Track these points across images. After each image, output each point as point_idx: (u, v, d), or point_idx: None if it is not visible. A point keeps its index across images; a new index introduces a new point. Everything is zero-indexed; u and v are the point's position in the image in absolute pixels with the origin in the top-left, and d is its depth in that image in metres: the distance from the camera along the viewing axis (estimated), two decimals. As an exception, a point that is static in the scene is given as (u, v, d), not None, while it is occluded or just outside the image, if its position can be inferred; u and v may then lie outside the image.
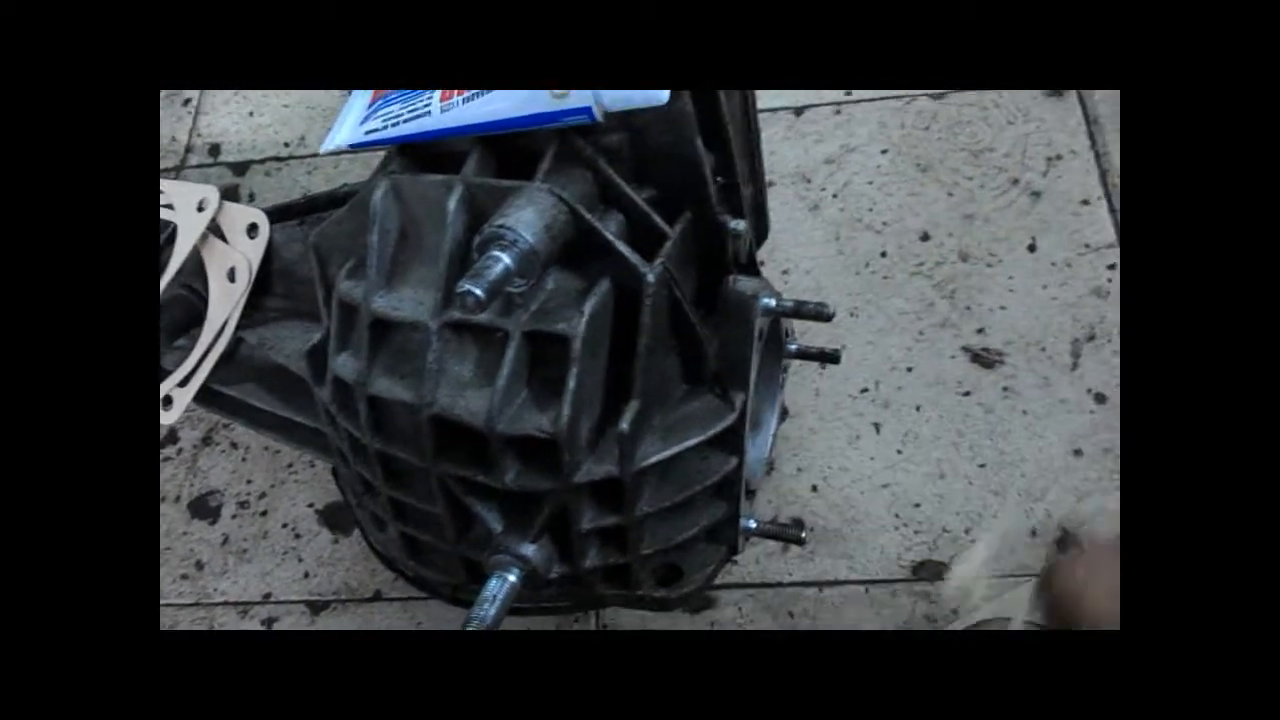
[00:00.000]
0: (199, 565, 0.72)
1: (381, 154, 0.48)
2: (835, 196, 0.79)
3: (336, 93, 0.93)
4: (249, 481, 0.75)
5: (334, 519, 0.73)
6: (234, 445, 0.77)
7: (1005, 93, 0.81)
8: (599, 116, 0.43)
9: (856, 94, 0.84)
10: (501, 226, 0.39)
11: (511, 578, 0.44)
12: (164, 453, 0.78)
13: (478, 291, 0.36)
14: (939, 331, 0.72)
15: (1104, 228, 0.75)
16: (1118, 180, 0.77)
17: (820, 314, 0.46)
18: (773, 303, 0.46)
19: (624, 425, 0.42)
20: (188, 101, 0.97)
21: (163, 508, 0.75)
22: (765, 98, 0.74)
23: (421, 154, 0.46)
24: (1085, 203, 0.76)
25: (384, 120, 0.45)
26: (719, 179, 0.49)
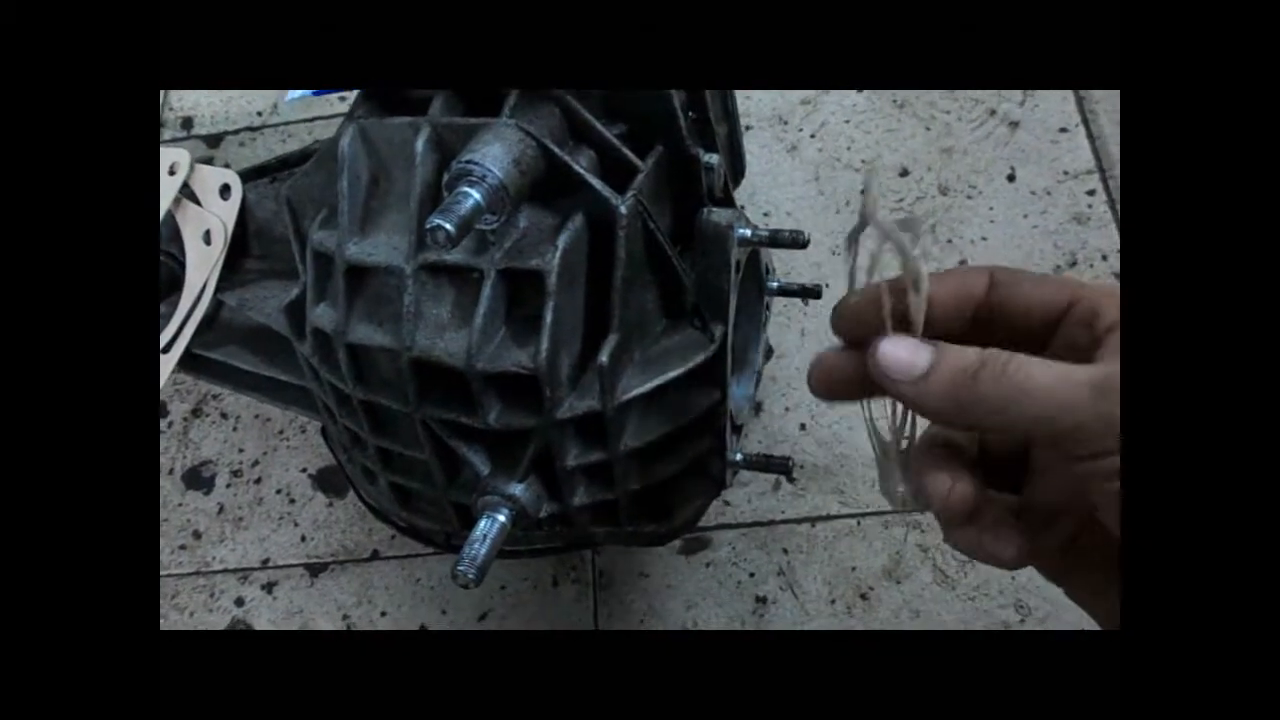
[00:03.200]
0: (196, 535, 0.73)
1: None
2: (813, 137, 0.79)
3: (307, 59, 0.92)
4: (241, 450, 0.76)
5: (327, 483, 0.73)
6: (224, 415, 0.77)
7: (979, 24, 0.80)
8: (563, 50, 0.42)
9: (830, 34, 0.83)
10: (469, 162, 0.39)
11: (501, 518, 0.45)
12: (154, 426, 0.78)
13: (448, 226, 0.36)
14: (921, 266, 0.72)
15: (1083, 154, 0.74)
16: (1095, 107, 0.76)
17: (796, 241, 0.46)
18: (748, 233, 0.46)
19: (603, 358, 0.42)
20: (157, 76, 0.96)
21: (157, 480, 0.75)
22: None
23: (388, 99, 0.46)
24: (1063, 130, 0.76)
25: (347, 64, 0.45)
26: (690, 114, 0.49)
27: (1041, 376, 0.30)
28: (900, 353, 0.32)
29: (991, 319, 0.35)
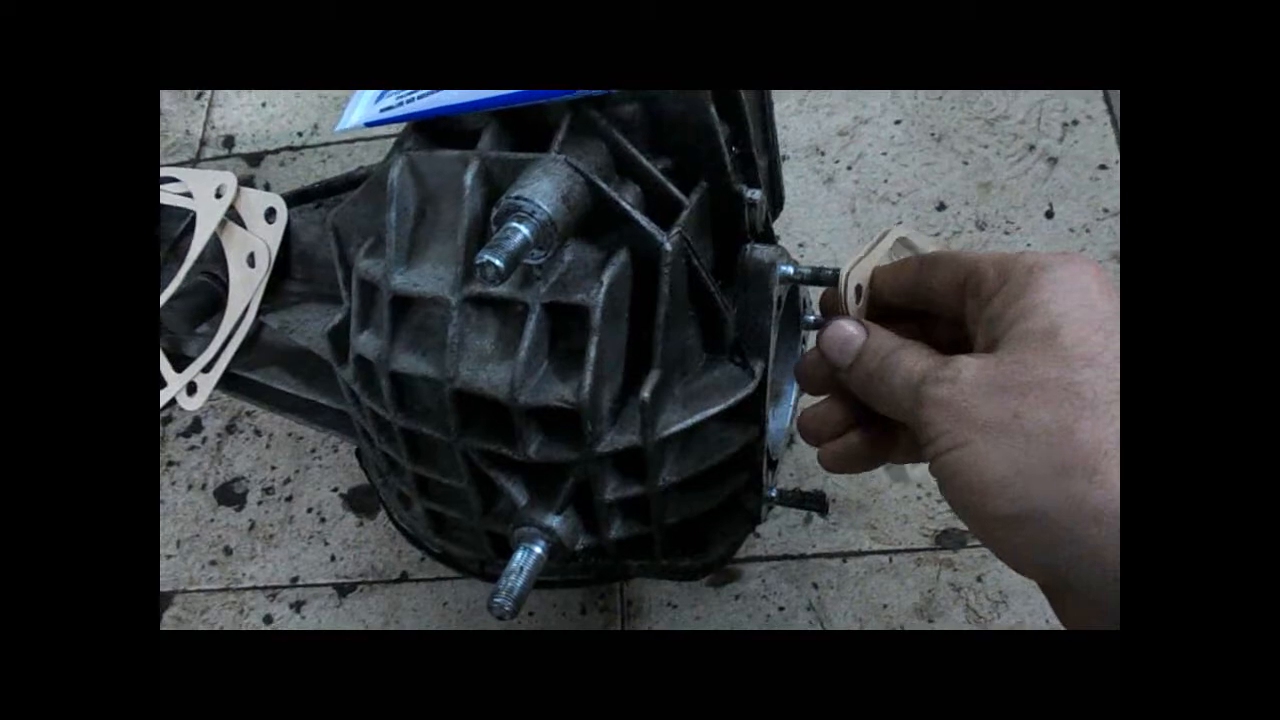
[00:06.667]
0: (227, 551, 0.73)
1: (395, 135, 0.48)
2: (849, 169, 0.79)
3: (348, 81, 0.93)
4: (273, 468, 0.76)
5: (358, 503, 0.74)
6: (258, 433, 0.78)
7: (1019, 59, 0.80)
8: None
9: (868, 65, 0.83)
10: (519, 198, 0.39)
11: (537, 550, 0.45)
12: (189, 442, 0.78)
13: (497, 262, 0.36)
14: (957, 301, 0.72)
15: (1122, 192, 0.74)
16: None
17: (837, 280, 0.46)
18: (790, 270, 0.46)
19: (645, 394, 0.42)
20: (200, 95, 0.98)
21: (189, 495, 0.76)
22: (777, 71, 0.73)
23: (436, 131, 0.46)
24: (1103, 167, 0.75)
25: (398, 98, 0.45)
26: (734, 149, 0.49)
27: (893, 375, 0.37)
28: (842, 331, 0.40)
29: (930, 301, 0.39)
